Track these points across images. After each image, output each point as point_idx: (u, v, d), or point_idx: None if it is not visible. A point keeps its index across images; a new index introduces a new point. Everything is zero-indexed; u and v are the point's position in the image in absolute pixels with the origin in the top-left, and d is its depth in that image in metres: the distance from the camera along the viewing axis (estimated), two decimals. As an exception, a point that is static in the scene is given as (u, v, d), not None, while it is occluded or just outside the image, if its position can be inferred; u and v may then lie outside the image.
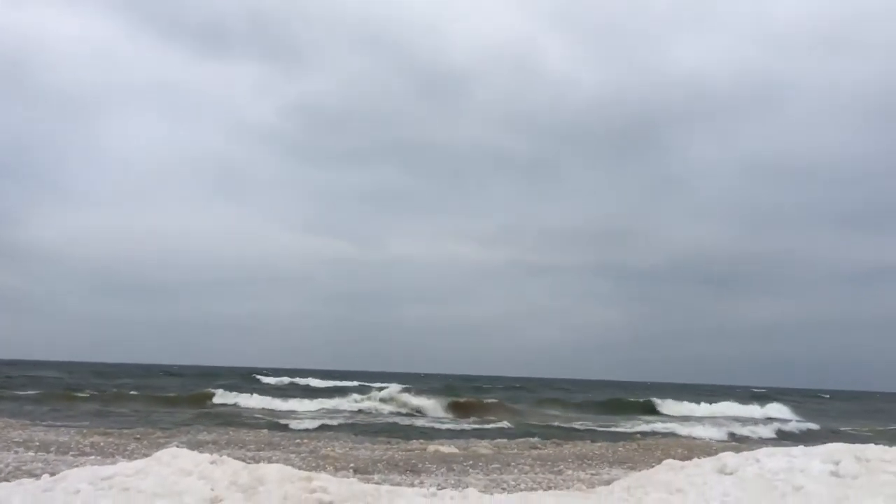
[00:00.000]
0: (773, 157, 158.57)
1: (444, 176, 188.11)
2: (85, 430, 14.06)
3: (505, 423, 23.34)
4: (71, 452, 9.64)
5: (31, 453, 9.76)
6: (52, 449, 9.87)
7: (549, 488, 8.12)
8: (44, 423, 14.75)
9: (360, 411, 26.11)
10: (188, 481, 4.82)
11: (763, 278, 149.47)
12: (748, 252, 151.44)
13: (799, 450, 6.55)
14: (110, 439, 11.62)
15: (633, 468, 10.60)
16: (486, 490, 8.26)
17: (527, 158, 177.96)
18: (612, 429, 23.25)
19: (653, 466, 7.75)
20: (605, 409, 34.42)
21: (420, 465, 11.24)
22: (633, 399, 38.40)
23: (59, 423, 14.63)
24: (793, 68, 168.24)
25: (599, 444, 14.92)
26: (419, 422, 23.63)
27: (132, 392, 29.56)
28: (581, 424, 24.79)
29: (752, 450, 7.02)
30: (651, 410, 33.89)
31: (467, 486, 7.73)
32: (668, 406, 34.84)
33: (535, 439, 15.96)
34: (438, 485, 8.50)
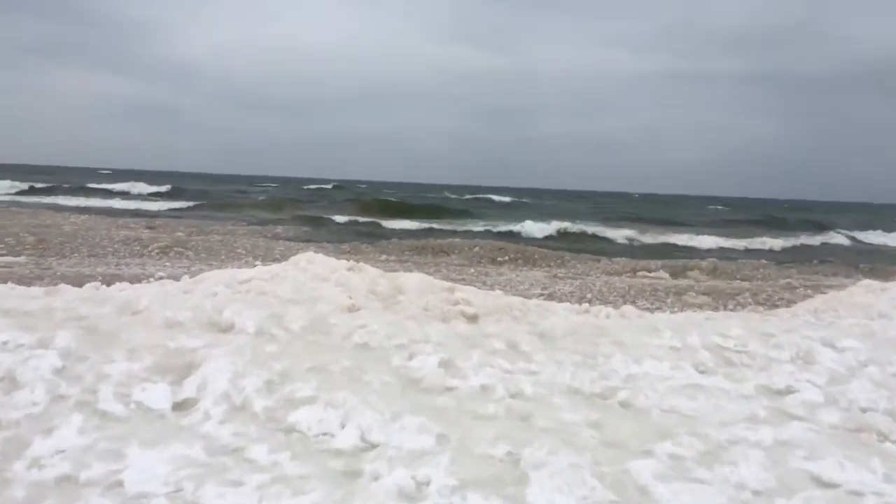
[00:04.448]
0: None
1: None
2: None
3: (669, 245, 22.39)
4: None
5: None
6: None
7: (717, 309, 7.42)
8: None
9: (519, 232, 25.42)
10: (324, 288, 4.72)
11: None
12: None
13: None
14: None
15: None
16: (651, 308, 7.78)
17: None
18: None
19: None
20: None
21: (586, 282, 10.91)
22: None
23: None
24: None
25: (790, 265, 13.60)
26: (587, 241, 23.15)
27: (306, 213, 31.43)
28: (748, 243, 23.23)
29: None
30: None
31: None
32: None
33: (712, 260, 14.90)
34: (593, 301, 8.11)
